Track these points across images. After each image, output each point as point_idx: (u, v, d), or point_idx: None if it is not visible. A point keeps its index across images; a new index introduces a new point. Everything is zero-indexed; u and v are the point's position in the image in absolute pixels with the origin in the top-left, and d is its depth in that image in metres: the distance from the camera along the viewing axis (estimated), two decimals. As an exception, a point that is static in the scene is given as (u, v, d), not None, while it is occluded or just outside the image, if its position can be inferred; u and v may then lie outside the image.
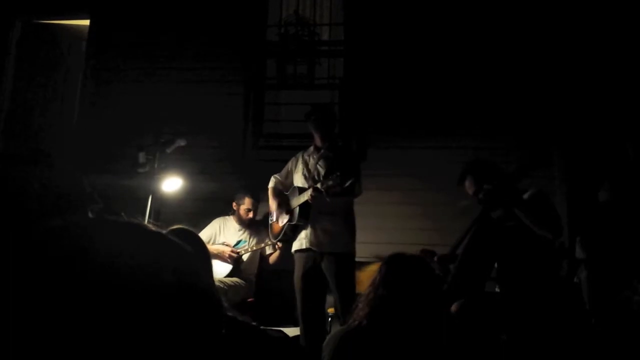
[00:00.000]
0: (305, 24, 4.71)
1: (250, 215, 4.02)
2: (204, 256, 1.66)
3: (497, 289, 2.93)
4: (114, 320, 0.41)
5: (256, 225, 4.11)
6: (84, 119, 4.79)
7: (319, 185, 3.07)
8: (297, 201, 3.34)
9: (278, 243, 3.87)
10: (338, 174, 2.94)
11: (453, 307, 2.48)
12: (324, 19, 4.82)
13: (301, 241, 3.32)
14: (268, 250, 4.01)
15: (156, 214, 3.62)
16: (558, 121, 4.10)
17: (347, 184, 2.96)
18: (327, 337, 1.68)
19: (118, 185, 4.02)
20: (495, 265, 2.78)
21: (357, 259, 3.34)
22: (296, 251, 3.36)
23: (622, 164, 3.69)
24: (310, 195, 3.12)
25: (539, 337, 2.46)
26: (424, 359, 1.50)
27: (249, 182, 4.26)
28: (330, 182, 2.97)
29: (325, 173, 3.14)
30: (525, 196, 2.72)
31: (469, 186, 2.89)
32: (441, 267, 2.76)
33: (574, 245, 3.16)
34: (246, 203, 4.01)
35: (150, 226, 0.54)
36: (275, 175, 3.65)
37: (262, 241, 4.00)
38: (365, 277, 3.25)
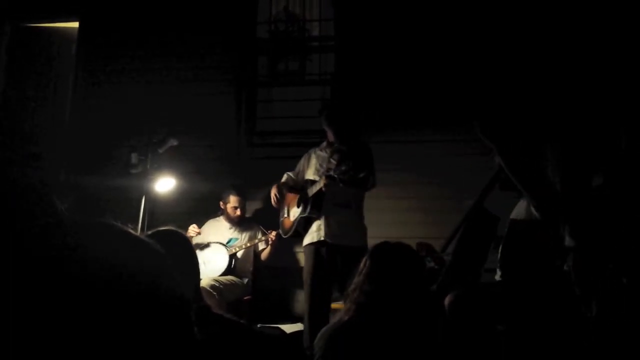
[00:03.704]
0: (295, 20, 4.70)
1: (238, 212, 4.00)
2: (189, 257, 1.65)
3: (496, 277, 2.92)
4: (75, 319, 0.41)
5: (247, 222, 4.10)
6: (75, 121, 4.77)
7: (332, 173, 3.04)
8: (310, 192, 3.31)
9: (271, 236, 3.85)
10: (351, 162, 2.93)
11: (447, 299, 2.48)
12: (314, 15, 4.80)
13: (312, 234, 3.28)
14: (261, 246, 4.00)
15: (150, 215, 3.60)
16: (551, 111, 4.08)
17: (362, 175, 2.97)
18: (319, 333, 1.67)
19: (111, 186, 4.00)
20: (498, 253, 2.76)
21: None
22: (307, 245, 3.33)
23: (615, 152, 3.68)
24: (324, 183, 3.10)
25: (536, 327, 2.45)
26: (417, 350, 1.50)
27: (243, 180, 4.25)
28: (343, 168, 2.95)
29: (337, 162, 3.11)
30: None
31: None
32: (432, 257, 2.75)
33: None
34: (232, 201, 3.99)
35: (120, 226, 0.53)
36: (288, 173, 3.65)
37: (255, 237, 3.99)
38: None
